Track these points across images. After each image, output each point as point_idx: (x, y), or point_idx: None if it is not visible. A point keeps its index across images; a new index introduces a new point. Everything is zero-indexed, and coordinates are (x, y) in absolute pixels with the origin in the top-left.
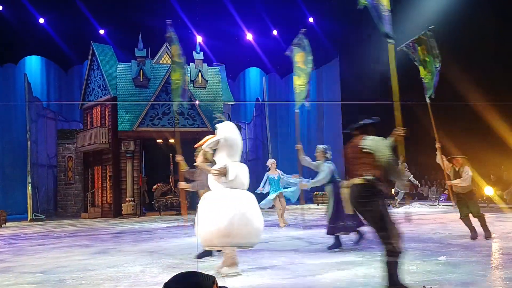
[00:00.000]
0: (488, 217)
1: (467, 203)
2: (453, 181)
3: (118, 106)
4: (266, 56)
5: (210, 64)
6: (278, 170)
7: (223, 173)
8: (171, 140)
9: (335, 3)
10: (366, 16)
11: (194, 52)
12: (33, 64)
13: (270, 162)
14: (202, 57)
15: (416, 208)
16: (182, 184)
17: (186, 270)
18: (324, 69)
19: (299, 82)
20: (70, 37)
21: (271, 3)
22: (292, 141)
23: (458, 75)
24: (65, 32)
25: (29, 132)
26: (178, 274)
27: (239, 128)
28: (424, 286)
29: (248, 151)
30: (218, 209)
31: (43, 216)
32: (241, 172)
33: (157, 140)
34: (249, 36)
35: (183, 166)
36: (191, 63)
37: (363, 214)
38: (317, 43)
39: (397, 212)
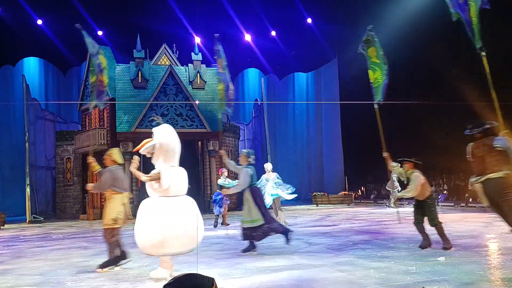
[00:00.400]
0: (488, 217)
1: (424, 210)
2: (398, 194)
3: (116, 108)
4: (264, 57)
5: (208, 65)
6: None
7: (155, 179)
8: None
9: (333, 4)
10: (365, 18)
11: (192, 53)
12: (31, 66)
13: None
14: (201, 58)
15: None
16: (89, 186)
17: (186, 272)
18: (322, 70)
19: (220, 87)
20: (68, 38)
21: (270, 5)
22: (291, 142)
23: (457, 73)
24: (63, 34)
25: (27, 134)
26: (178, 275)
27: (238, 129)
28: (423, 287)
29: None
30: (150, 220)
31: (42, 218)
32: (176, 178)
33: None
34: (248, 37)
35: (95, 167)
36: (189, 64)
37: (503, 204)
38: (315, 44)
39: (394, 212)
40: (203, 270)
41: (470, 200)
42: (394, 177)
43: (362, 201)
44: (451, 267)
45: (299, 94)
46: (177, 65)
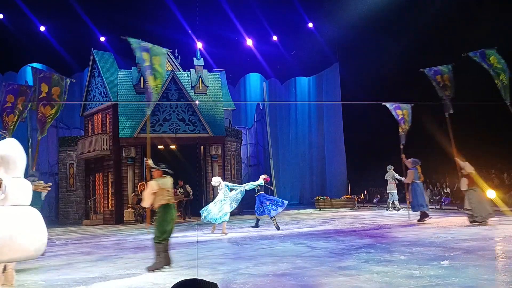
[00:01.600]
0: (491, 220)
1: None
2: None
3: (119, 113)
4: (266, 61)
5: (210, 70)
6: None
7: None
8: (172, 146)
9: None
10: (365, 21)
11: (194, 58)
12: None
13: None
14: (203, 63)
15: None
16: None
17: (188, 278)
18: (324, 74)
19: (53, 111)
20: (70, 44)
21: (271, 9)
22: (293, 145)
23: (460, 74)
24: (66, 40)
25: (30, 140)
26: (180, 281)
27: (240, 133)
28: None
29: (249, 157)
30: None
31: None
32: (16, 188)
33: (158, 147)
34: (249, 42)
35: None
36: (191, 69)
37: None
38: (316, 48)
39: (396, 215)
40: (205, 276)
41: None
42: (391, 178)
43: (365, 205)
44: (455, 271)
45: (301, 98)
46: (179, 71)
